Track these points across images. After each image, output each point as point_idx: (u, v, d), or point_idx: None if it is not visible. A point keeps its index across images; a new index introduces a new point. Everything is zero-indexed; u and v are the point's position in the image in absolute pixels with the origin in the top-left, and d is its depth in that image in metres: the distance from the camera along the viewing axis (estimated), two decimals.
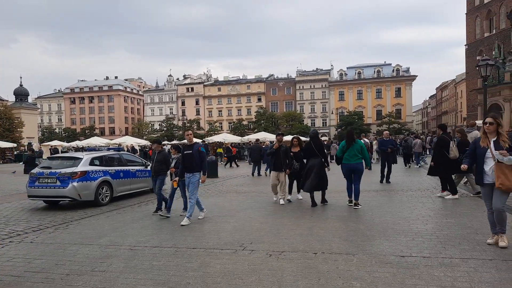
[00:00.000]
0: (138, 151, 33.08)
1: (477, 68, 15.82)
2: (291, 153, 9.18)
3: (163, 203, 8.17)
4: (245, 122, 73.58)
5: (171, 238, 6.11)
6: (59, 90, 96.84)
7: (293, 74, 79.80)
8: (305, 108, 75.41)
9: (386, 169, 12.50)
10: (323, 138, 38.09)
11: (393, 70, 72.49)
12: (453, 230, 5.93)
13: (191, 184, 7.30)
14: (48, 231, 7.02)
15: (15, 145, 42.89)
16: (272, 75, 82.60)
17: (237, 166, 23.80)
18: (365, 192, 9.88)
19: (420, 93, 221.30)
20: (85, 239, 6.22)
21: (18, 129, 50.13)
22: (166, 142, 46.94)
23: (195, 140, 8.05)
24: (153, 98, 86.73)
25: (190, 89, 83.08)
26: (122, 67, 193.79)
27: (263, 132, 44.72)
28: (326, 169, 8.70)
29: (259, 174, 17.30)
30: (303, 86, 75.80)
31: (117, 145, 36.59)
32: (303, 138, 19.64)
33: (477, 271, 4.11)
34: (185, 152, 7.41)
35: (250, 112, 77.09)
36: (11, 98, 62.96)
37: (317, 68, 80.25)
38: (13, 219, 8.21)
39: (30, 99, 65.60)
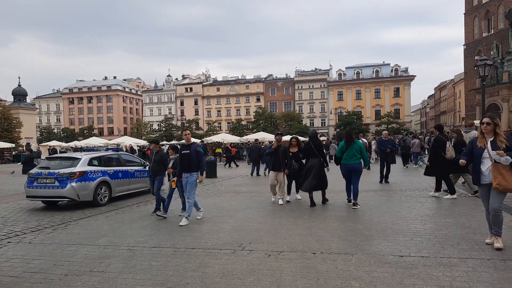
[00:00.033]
0: (137, 151, 33.06)
1: (475, 68, 15.85)
2: (290, 153, 9.19)
3: (161, 203, 8.16)
4: (244, 122, 73.58)
5: (170, 238, 6.11)
6: (57, 90, 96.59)
7: (292, 74, 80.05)
8: (304, 108, 75.42)
9: (385, 169, 12.53)
10: (322, 138, 38.06)
11: (391, 70, 72.57)
12: (452, 230, 5.94)
13: (189, 184, 7.29)
14: (46, 231, 7.00)
15: (13, 145, 42.90)
16: (271, 75, 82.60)
17: (236, 166, 23.82)
18: (363, 192, 9.89)
19: (418, 93, 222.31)
20: (83, 240, 6.21)
21: (17, 129, 50.14)
22: (164, 142, 46.97)
23: (193, 140, 8.05)
24: (152, 98, 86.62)
25: (189, 89, 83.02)
26: (121, 67, 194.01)
27: (262, 132, 44.76)
28: (325, 169, 8.72)
29: (258, 174, 17.31)
30: (302, 86, 75.81)
31: (115, 145, 36.52)
32: (302, 138, 19.80)
33: (476, 271, 4.12)
34: (182, 152, 7.41)
35: (249, 112, 77.10)
36: (10, 98, 63.00)
37: (316, 68, 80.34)
38: (12, 220, 8.19)
39: (28, 99, 65.61)
